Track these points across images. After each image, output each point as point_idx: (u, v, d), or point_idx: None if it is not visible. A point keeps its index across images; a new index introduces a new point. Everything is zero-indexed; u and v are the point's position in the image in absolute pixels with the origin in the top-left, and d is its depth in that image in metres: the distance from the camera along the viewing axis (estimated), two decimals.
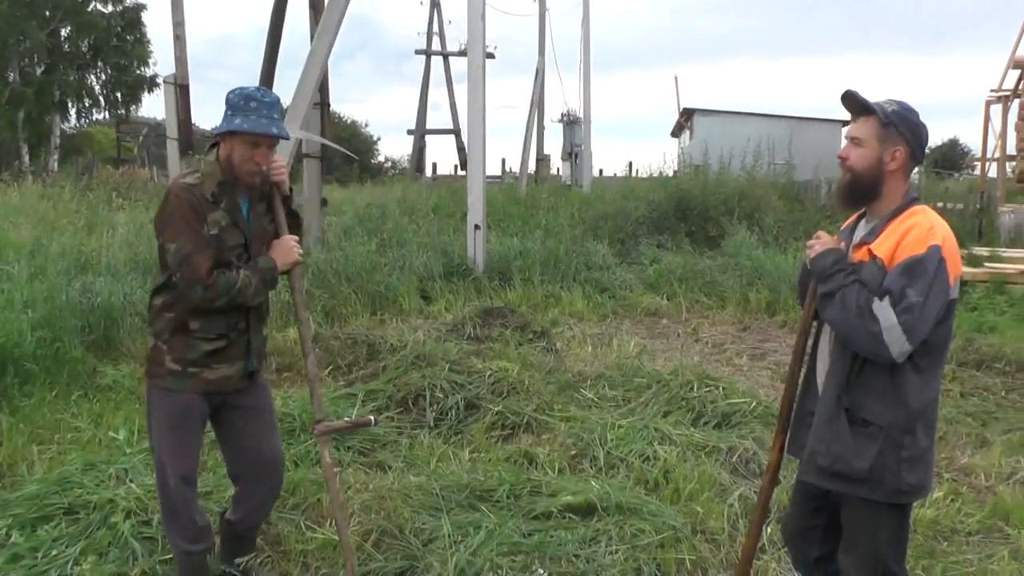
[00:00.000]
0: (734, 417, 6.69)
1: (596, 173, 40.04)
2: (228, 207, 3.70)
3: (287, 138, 3.74)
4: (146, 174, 30.26)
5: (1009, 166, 25.42)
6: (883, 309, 2.99)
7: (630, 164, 36.94)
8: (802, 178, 21.84)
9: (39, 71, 42.91)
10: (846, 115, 3.39)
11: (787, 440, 3.51)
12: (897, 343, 2.98)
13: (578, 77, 32.79)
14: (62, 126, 45.21)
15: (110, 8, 45.03)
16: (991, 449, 6.44)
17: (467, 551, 4.39)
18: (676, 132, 41.98)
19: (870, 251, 3.15)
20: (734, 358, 9.33)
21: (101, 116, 48.81)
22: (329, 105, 15.34)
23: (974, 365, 8.57)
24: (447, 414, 6.65)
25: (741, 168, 20.44)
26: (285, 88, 44.78)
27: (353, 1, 13.06)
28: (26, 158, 40.20)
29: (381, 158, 62.61)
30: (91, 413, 6.73)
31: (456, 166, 50.23)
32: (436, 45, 53.36)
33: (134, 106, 47.99)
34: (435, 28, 52.99)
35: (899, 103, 3.23)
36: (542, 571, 4.29)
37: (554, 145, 47.65)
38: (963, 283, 12.08)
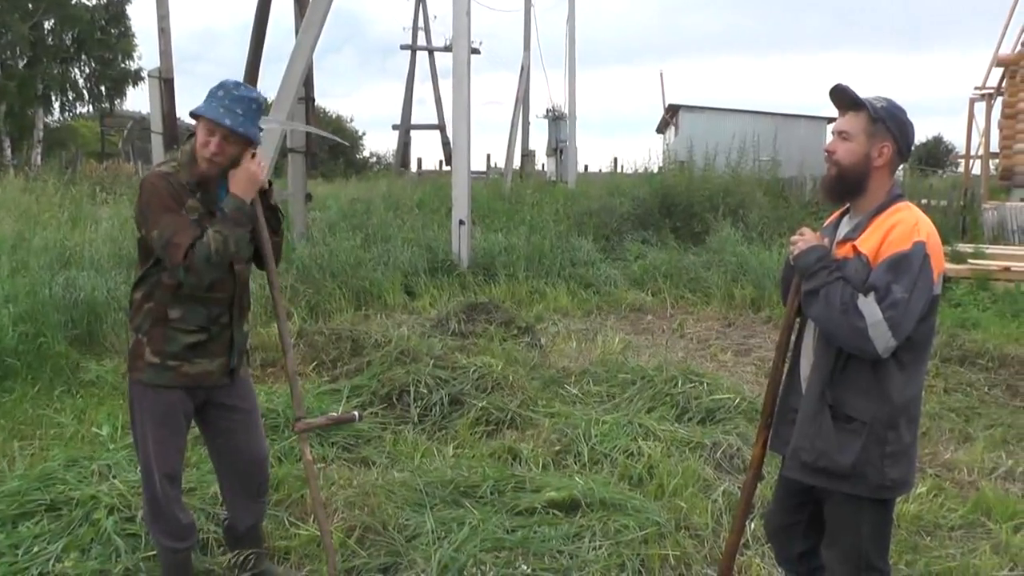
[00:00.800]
0: (718, 413, 6.70)
1: (581, 169, 40.07)
2: (204, 198, 3.68)
3: (243, 134, 3.65)
4: (131, 168, 30.10)
5: (993, 163, 25.56)
6: (868, 305, 2.99)
7: (615, 160, 37.05)
8: (787, 175, 21.87)
9: (21, 64, 42.58)
10: (832, 112, 3.39)
11: (770, 436, 3.51)
12: (882, 339, 2.98)
13: (563, 73, 32.95)
14: (46, 120, 44.92)
15: (94, 1, 44.78)
16: (974, 445, 6.48)
17: (450, 547, 4.38)
18: (661, 128, 41.94)
19: (854, 247, 3.15)
20: (719, 354, 9.35)
21: (85, 110, 48.54)
22: (314, 100, 15.29)
23: (957, 361, 8.60)
24: (431, 410, 6.64)
25: (726, 164, 20.43)
26: (270, 82, 44.64)
27: None
28: (8, 152, 39.94)
29: (366, 153, 62.45)
30: (74, 408, 6.70)
31: (441, 161, 50.08)
32: (421, 40, 53.19)
33: (118, 100, 47.73)
34: (420, 23, 52.81)
35: (887, 100, 3.24)
36: (525, 567, 4.28)
37: (539, 141, 47.68)
38: (947, 279, 12.12)
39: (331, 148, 42.73)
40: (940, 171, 41.20)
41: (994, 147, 25.17)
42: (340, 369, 7.75)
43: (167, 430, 3.78)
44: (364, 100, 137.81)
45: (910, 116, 3.24)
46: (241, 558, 4.11)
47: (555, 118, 43.34)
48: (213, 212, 3.68)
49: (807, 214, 17.62)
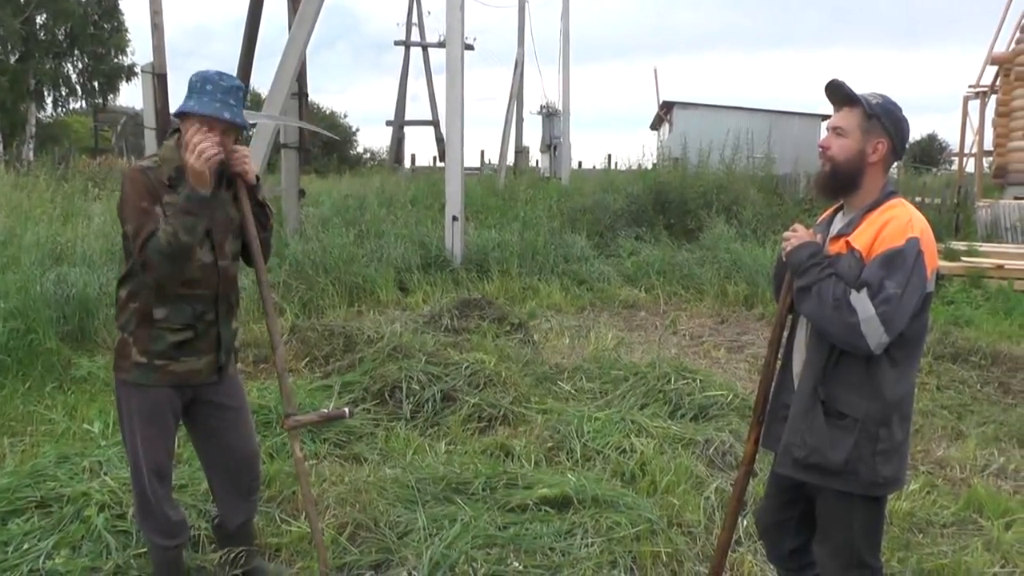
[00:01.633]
0: (711, 410, 6.70)
1: (575, 165, 40.14)
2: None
3: (242, 125, 3.65)
4: (124, 164, 30.00)
5: (986, 161, 25.64)
6: (861, 301, 2.99)
7: (609, 157, 37.11)
8: (781, 172, 21.87)
9: (13, 59, 42.46)
10: (826, 109, 3.39)
11: (762, 433, 3.51)
12: (875, 335, 2.97)
13: (557, 69, 32.95)
14: (38, 115, 44.82)
15: None
16: (966, 442, 6.48)
17: (442, 544, 4.37)
18: (655, 125, 41.94)
19: (848, 243, 3.15)
20: (712, 350, 9.36)
21: (78, 105, 48.47)
22: (307, 95, 15.24)
23: (950, 358, 8.61)
24: (424, 406, 6.63)
25: (720, 161, 20.44)
26: (263, 78, 44.52)
27: None
28: (0, 147, 39.82)
29: (360, 149, 62.45)
30: (65, 405, 6.68)
31: (435, 157, 50.07)
32: (415, 36, 53.19)
33: (112, 95, 47.70)
34: (414, 19, 52.81)
35: (883, 96, 3.23)
36: (517, 564, 4.27)
37: (533, 137, 47.80)
38: (940, 277, 12.15)
39: (325, 144, 42.70)
40: (934, 169, 41.26)
41: (988, 145, 25.25)
42: (333, 365, 7.73)
43: (155, 428, 3.75)
44: (358, 96, 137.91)
45: (907, 113, 3.24)
46: (232, 555, 4.10)
47: (549, 114, 43.42)
48: None
49: (801, 211, 17.61)
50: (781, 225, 15.87)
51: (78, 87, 46.32)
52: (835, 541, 3.30)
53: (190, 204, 3.51)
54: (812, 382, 3.21)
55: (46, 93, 45.30)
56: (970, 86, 25.22)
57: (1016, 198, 20.62)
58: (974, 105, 25.70)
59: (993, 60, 24.27)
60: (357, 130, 64.18)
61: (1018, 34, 23.83)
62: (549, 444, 6.02)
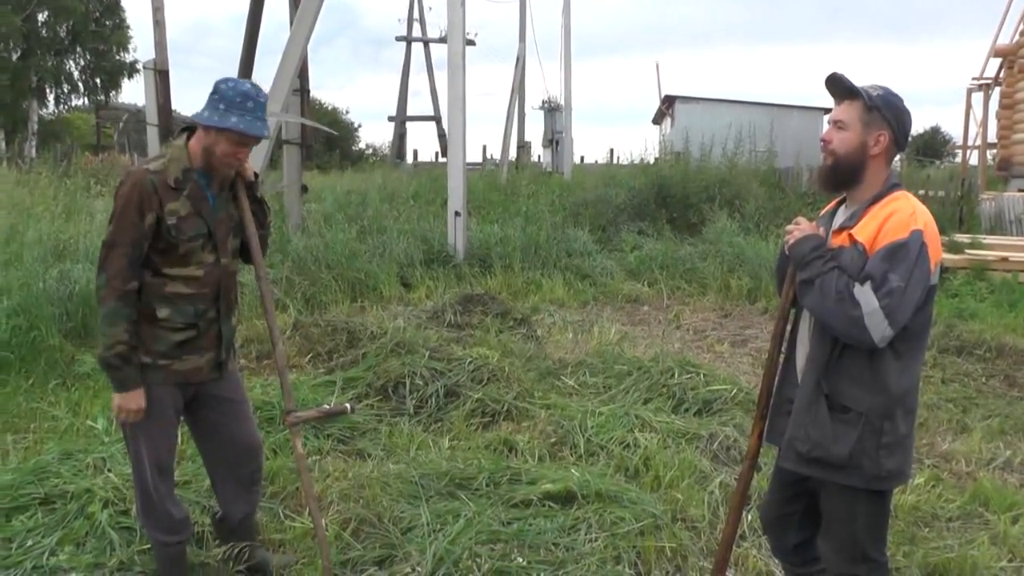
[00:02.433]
0: (715, 404, 6.69)
1: (577, 160, 40.13)
2: (191, 194, 3.64)
3: (267, 137, 3.71)
4: (127, 160, 30.00)
5: (990, 154, 25.55)
6: (864, 294, 2.97)
7: (611, 151, 37.06)
8: (783, 165, 21.83)
9: (15, 56, 42.45)
10: (827, 103, 3.37)
11: (766, 427, 3.49)
12: (879, 328, 2.96)
13: (559, 64, 32.86)
14: (40, 112, 44.80)
15: None
16: (971, 435, 6.47)
17: (446, 539, 4.36)
18: (657, 119, 41.88)
19: (850, 236, 3.13)
20: (715, 345, 9.34)
21: (80, 102, 48.42)
22: (309, 91, 15.22)
23: (955, 351, 8.59)
24: (427, 402, 6.63)
25: (722, 155, 20.41)
26: (264, 74, 44.58)
27: None
28: (2, 144, 39.79)
29: (362, 145, 62.35)
30: (68, 402, 6.68)
31: (437, 153, 50.14)
32: (416, 31, 53.25)
33: (114, 92, 47.60)
34: (415, 14, 52.91)
35: (884, 88, 3.21)
36: (520, 560, 4.26)
37: (535, 132, 47.74)
38: (944, 270, 12.12)
39: (327, 140, 42.67)
40: (937, 162, 41.19)
41: (992, 137, 25.17)
42: (336, 361, 7.72)
43: (157, 425, 3.75)
44: (360, 92, 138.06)
45: (907, 105, 3.22)
46: (236, 550, 4.10)
47: (551, 109, 43.38)
48: (200, 211, 3.66)
49: (803, 204, 17.60)
50: (784, 219, 15.87)
51: (80, 84, 46.30)
52: (839, 536, 3.29)
53: (122, 384, 3.63)
54: (815, 376, 3.20)
55: (48, 90, 45.27)
56: (973, 78, 25.14)
57: (1020, 190, 20.57)
58: (977, 97, 25.61)
59: (996, 52, 24.18)
60: (359, 126, 64.11)
61: (1022, 26, 23.75)
62: (552, 439, 6.01)
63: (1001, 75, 24.49)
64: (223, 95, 3.57)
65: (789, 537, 3.59)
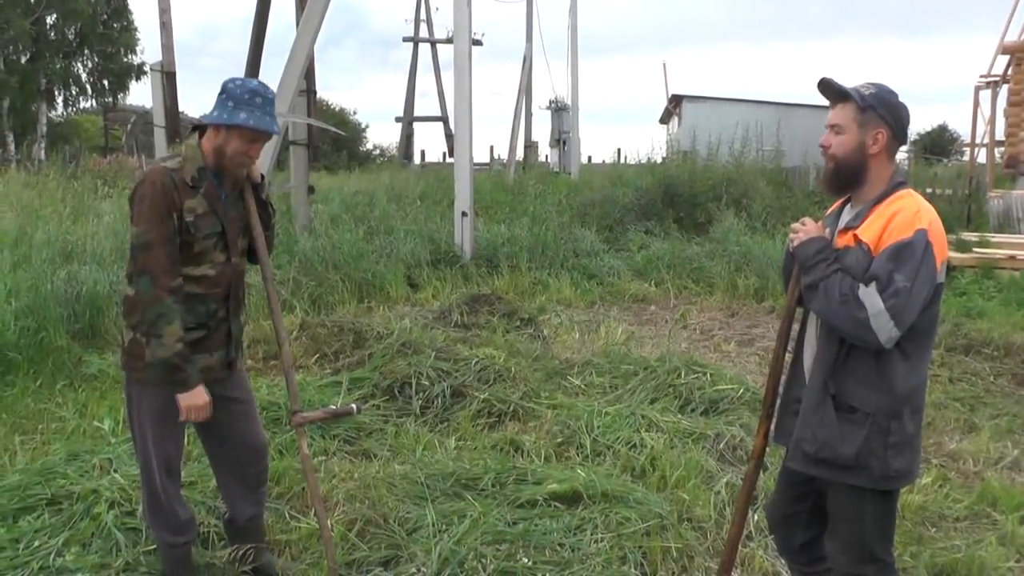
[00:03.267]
0: (721, 404, 6.67)
1: (584, 160, 40.02)
2: (207, 193, 3.65)
3: (278, 132, 3.71)
4: (135, 162, 30.05)
5: (998, 151, 25.49)
6: (870, 295, 2.96)
7: (618, 151, 36.95)
8: (790, 164, 21.79)
9: (24, 59, 42.55)
10: None
11: (773, 427, 3.49)
12: (885, 329, 2.95)
13: (566, 63, 32.79)
14: (49, 115, 44.90)
15: None
16: (979, 434, 6.45)
17: (451, 540, 4.36)
18: (665, 119, 41.86)
19: (856, 236, 3.12)
20: (722, 344, 9.33)
21: (88, 104, 48.52)
22: (315, 92, 15.25)
23: (962, 350, 8.56)
24: (433, 402, 6.63)
25: (729, 154, 20.38)
26: (271, 75, 44.54)
27: None
28: (12, 147, 39.90)
29: (369, 146, 62.35)
30: (76, 403, 6.70)
31: (444, 153, 50.15)
32: (424, 32, 53.31)
33: (121, 94, 47.70)
34: (423, 15, 52.93)
35: (876, 85, 3.20)
36: (526, 560, 4.26)
37: (542, 132, 47.71)
38: (952, 268, 12.10)
39: (334, 141, 42.69)
40: (945, 160, 41.02)
41: (999, 135, 25.11)
42: (342, 361, 7.73)
43: (165, 425, 3.76)
44: (367, 93, 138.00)
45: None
46: (241, 552, 4.10)
47: (558, 109, 43.32)
48: (215, 209, 3.66)
49: (811, 203, 17.57)
50: (791, 217, 15.82)
51: (88, 86, 46.38)
52: (846, 536, 3.28)
53: (185, 383, 3.64)
54: (823, 376, 3.19)
55: (56, 93, 45.37)
56: (981, 76, 25.12)
57: None
58: (985, 95, 25.58)
59: (1004, 49, 24.14)
60: (366, 127, 64.03)
61: None
62: (559, 439, 6.01)
63: (1009, 72, 24.44)
64: (231, 93, 3.59)
65: (796, 536, 3.58)
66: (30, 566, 4.13)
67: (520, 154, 34.40)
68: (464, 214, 13.33)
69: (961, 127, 61.67)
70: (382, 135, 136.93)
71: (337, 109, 57.73)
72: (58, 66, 44.13)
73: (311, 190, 15.27)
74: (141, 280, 3.53)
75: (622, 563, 4.35)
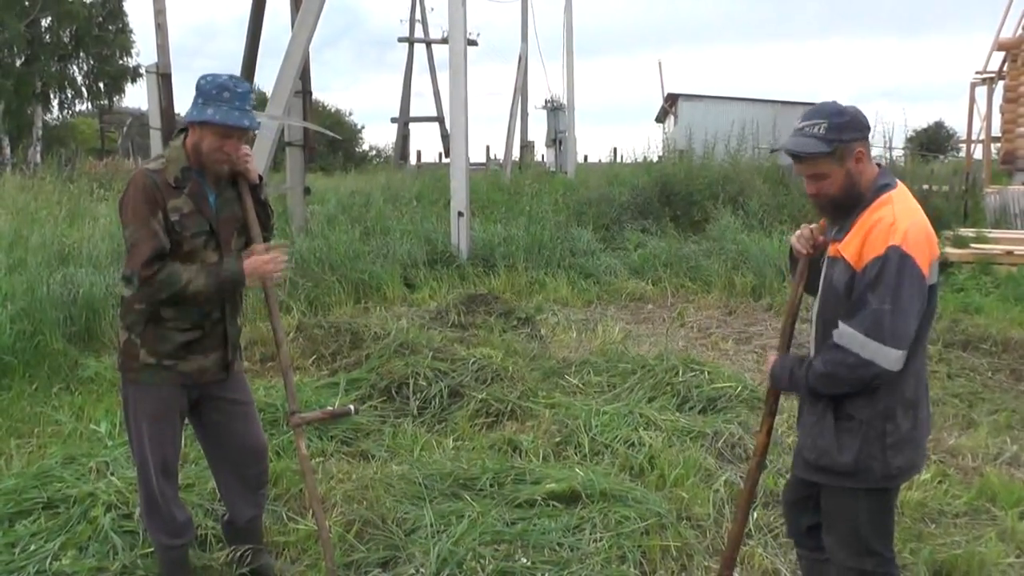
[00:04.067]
0: (719, 402, 6.67)
1: (580, 159, 40.06)
2: (192, 192, 3.65)
3: (257, 129, 3.69)
4: (131, 164, 30.01)
5: (994, 148, 25.49)
6: (846, 335, 2.99)
7: (615, 150, 37.05)
8: (786, 162, 21.74)
9: (19, 62, 42.46)
10: (831, 99, 3.31)
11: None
12: (880, 354, 2.96)
13: (561, 63, 32.69)
14: (44, 117, 44.79)
15: None
16: (978, 430, 6.44)
17: (449, 540, 4.35)
18: (661, 118, 41.79)
19: (839, 251, 3.13)
20: (720, 342, 9.31)
21: (84, 107, 48.42)
22: (311, 93, 15.24)
23: (960, 346, 8.56)
24: (431, 402, 6.62)
25: (725, 152, 20.36)
26: (267, 76, 44.65)
27: None
28: (7, 150, 39.82)
29: (365, 146, 62.36)
30: (72, 406, 6.69)
31: (440, 154, 50.07)
32: (419, 33, 53.20)
33: (117, 96, 47.53)
34: (418, 15, 52.83)
35: (821, 115, 3.15)
36: (525, 560, 4.25)
37: (538, 131, 47.65)
38: (949, 264, 12.09)
39: (330, 142, 42.71)
40: (942, 156, 41.04)
41: (996, 131, 25.11)
42: (339, 362, 7.72)
43: (162, 427, 3.76)
44: (363, 93, 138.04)
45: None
46: (239, 553, 4.09)
47: (554, 108, 43.32)
48: (201, 209, 3.65)
49: (807, 201, 17.49)
50: (787, 215, 15.86)
51: (83, 89, 46.24)
52: (841, 531, 3.30)
53: (229, 285, 3.67)
54: None
55: (52, 95, 45.23)
56: (977, 72, 25.08)
57: None
58: (981, 92, 25.55)
59: (1000, 46, 24.13)
60: (362, 127, 64.12)
61: None
62: (557, 439, 6.00)
63: (1005, 69, 24.44)
64: (201, 90, 3.61)
65: (804, 519, 3.60)
66: (27, 570, 4.13)
67: (516, 154, 34.38)
68: (460, 214, 13.32)
69: (957, 123, 61.68)
70: (378, 136, 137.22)
71: (333, 110, 57.78)
72: (53, 68, 44.00)
73: (307, 191, 15.25)
74: (129, 281, 3.56)
75: (621, 562, 4.34)
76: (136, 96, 73.44)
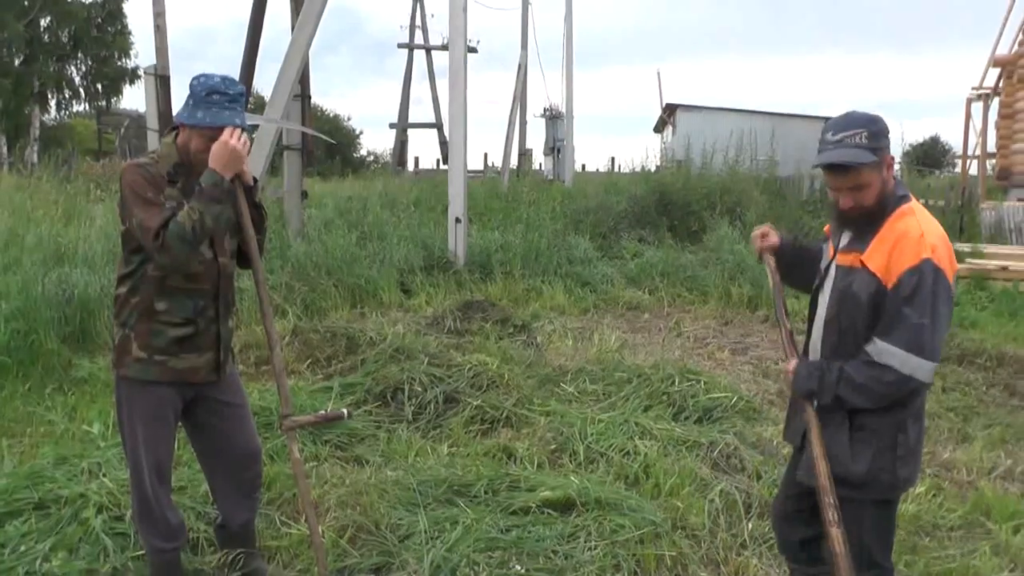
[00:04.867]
0: (715, 412, 6.67)
1: (578, 168, 40.09)
2: (184, 188, 3.65)
3: (245, 127, 3.66)
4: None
5: (989, 163, 25.53)
6: (886, 352, 2.97)
7: (612, 159, 37.04)
8: (784, 173, 21.79)
9: (17, 62, 42.45)
10: (828, 111, 3.32)
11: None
12: (920, 369, 2.98)
13: (561, 72, 32.71)
14: (42, 118, 44.77)
15: None
16: (972, 444, 6.45)
17: (443, 547, 4.34)
18: (659, 128, 41.81)
19: (861, 261, 3.10)
20: (716, 352, 9.30)
21: (81, 108, 48.46)
22: (310, 98, 15.21)
23: (956, 360, 8.59)
24: (426, 408, 6.60)
25: (723, 163, 20.40)
26: (266, 80, 44.61)
27: None
28: (4, 149, 39.78)
29: (363, 152, 62.39)
30: (65, 406, 6.66)
31: (438, 160, 50.11)
32: (419, 39, 53.29)
33: (115, 98, 47.57)
34: (418, 22, 52.93)
35: (859, 123, 3.12)
36: (519, 568, 4.23)
37: (536, 140, 47.76)
38: None
39: (328, 147, 42.70)
40: (937, 171, 41.18)
41: (991, 147, 25.15)
42: (334, 367, 7.71)
43: (156, 427, 3.74)
44: (361, 99, 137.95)
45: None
46: (231, 557, 4.07)
47: (552, 117, 43.43)
48: None
49: (804, 212, 17.57)
50: (785, 228, 15.85)
51: (81, 90, 46.29)
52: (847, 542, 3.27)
53: (216, 191, 3.54)
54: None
55: (50, 96, 45.25)
56: (973, 88, 25.10)
57: (1020, 200, 20.55)
58: (977, 107, 25.57)
59: (995, 62, 24.17)
60: (361, 133, 64.11)
61: (1021, 36, 23.75)
62: (552, 446, 5.98)
63: (1000, 85, 24.49)
64: (192, 92, 3.63)
65: (797, 532, 3.59)
66: (16, 571, 4.10)
67: (514, 161, 34.35)
68: (458, 220, 13.30)
69: (953, 139, 61.96)
70: (376, 141, 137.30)
71: (331, 115, 57.81)
72: (52, 69, 44.02)
73: (304, 195, 15.22)
74: (159, 257, 3.51)
75: (616, 571, 4.33)
76: (134, 98, 73.71)
